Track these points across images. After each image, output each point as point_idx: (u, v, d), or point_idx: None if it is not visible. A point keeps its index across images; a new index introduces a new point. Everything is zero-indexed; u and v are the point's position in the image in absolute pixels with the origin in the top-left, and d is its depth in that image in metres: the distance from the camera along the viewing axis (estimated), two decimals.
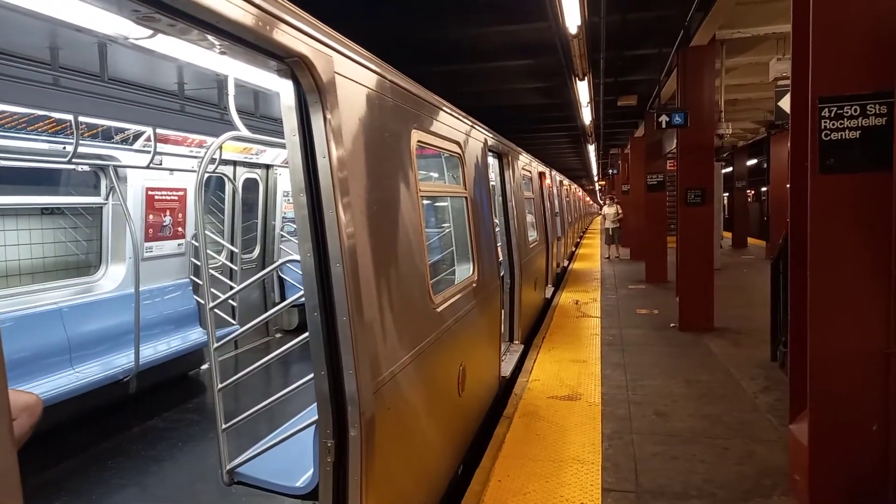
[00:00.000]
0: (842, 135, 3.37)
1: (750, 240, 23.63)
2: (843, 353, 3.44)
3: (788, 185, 3.92)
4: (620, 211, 19.60)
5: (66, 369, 5.51)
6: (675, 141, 10.22)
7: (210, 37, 2.03)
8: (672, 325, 9.08)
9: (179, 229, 7.13)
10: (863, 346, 3.40)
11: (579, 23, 6.53)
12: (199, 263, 7.30)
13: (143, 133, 5.84)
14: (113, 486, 4.52)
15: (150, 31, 2.17)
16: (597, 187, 58.16)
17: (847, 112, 3.35)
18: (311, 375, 2.62)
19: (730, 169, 24.64)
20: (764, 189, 26.24)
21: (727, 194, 26.82)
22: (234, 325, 7.17)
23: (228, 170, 7.93)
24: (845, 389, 3.43)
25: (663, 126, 8.96)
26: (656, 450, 4.68)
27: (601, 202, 62.03)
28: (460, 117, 5.01)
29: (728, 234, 23.90)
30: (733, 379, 6.43)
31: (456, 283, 4.87)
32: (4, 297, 5.36)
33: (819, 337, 3.47)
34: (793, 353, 3.95)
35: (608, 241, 19.87)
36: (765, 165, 21.69)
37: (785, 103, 8.56)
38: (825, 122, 3.39)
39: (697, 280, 8.87)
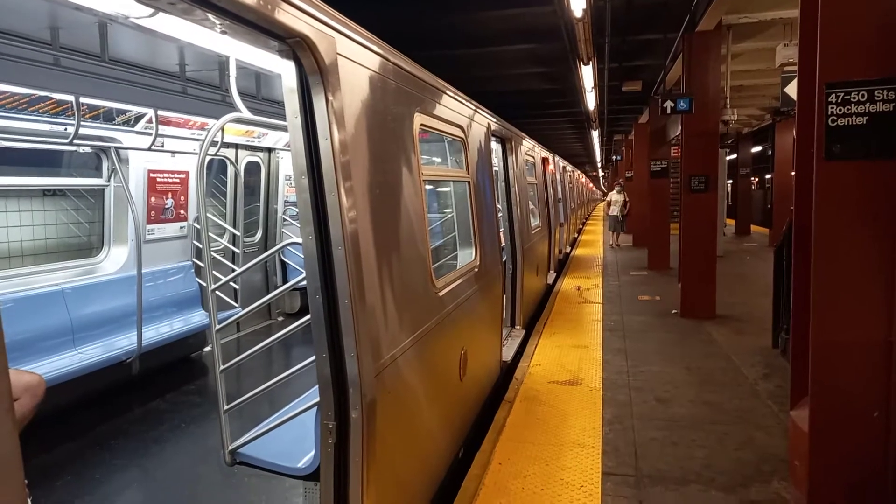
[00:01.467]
0: (848, 121, 3.33)
1: (753, 227, 23.60)
2: (846, 340, 3.43)
3: (793, 173, 3.89)
4: (628, 199, 18.89)
5: (69, 350, 5.54)
6: (680, 127, 10.16)
7: (211, 16, 2.00)
8: (674, 311, 9.09)
9: (182, 212, 7.13)
10: (865, 334, 3.39)
11: (584, 6, 6.46)
12: (201, 246, 7.30)
13: (144, 115, 5.81)
14: (115, 467, 4.56)
15: (151, 10, 2.14)
16: (600, 173, 58.00)
17: (854, 98, 3.31)
18: (313, 358, 2.62)
19: (734, 156, 24.52)
20: (768, 176, 26.14)
21: (731, 181, 26.73)
22: (236, 307, 7.19)
23: (231, 153, 7.90)
24: (847, 377, 3.43)
25: (668, 112, 8.89)
26: (656, 435, 4.70)
27: (604, 188, 61.86)
28: (464, 101, 4.98)
29: (731, 222, 23.85)
30: (734, 365, 6.44)
31: (458, 267, 4.86)
32: (6, 278, 5.37)
33: (821, 324, 3.46)
34: (794, 340, 3.95)
35: (612, 228, 19.26)
36: (769, 152, 21.58)
37: (791, 89, 8.50)
38: (832, 108, 3.35)
39: (700, 267, 8.85)
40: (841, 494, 3.44)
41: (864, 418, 3.40)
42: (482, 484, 3.92)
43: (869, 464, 3.39)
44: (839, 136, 3.36)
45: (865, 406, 3.39)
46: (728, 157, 21.53)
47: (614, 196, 19.06)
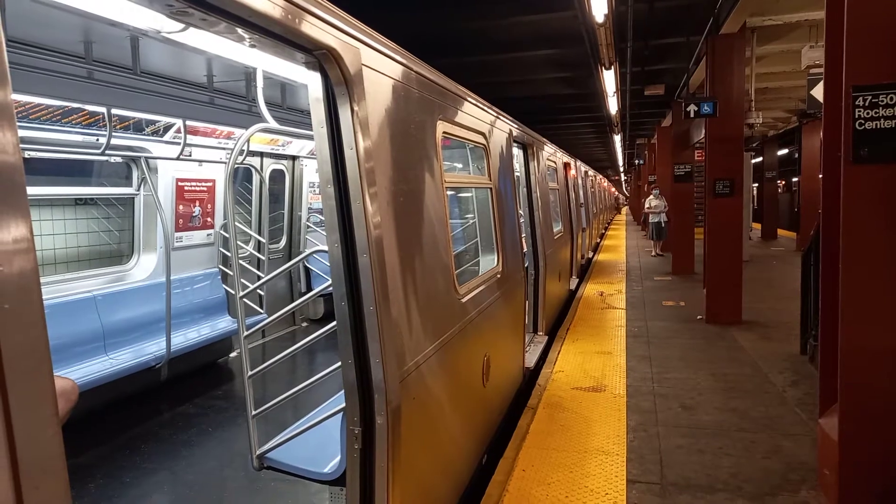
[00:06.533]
0: (877, 124, 3.29)
1: (780, 231, 23.22)
2: (875, 347, 3.37)
3: (821, 176, 3.85)
4: (667, 205, 17.09)
5: (101, 356, 5.67)
6: (704, 131, 10.07)
7: (240, 30, 2.06)
8: (699, 317, 8.98)
9: (208, 219, 7.25)
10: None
11: (606, 11, 6.46)
12: (228, 253, 7.42)
13: (173, 125, 5.94)
14: (144, 471, 4.65)
15: (183, 25, 2.21)
16: (622, 178, 57.57)
17: (883, 101, 3.26)
18: (339, 364, 2.66)
19: (759, 159, 24.17)
20: (795, 179, 25.72)
21: (756, 185, 26.35)
22: (261, 314, 7.29)
23: (255, 161, 8.02)
24: (877, 384, 3.37)
25: (692, 116, 8.81)
26: (682, 442, 4.66)
27: (626, 193, 61.24)
28: (485, 108, 5.00)
29: (757, 226, 23.48)
30: (761, 372, 6.35)
31: (480, 273, 4.88)
32: (41, 285, 5.51)
33: (850, 330, 3.41)
34: (823, 346, 3.89)
35: (654, 236, 17.64)
36: (796, 155, 21.23)
37: (817, 92, 8.36)
38: (859, 112, 3.32)
39: (725, 272, 8.75)
40: (871, 503, 3.37)
41: (894, 426, 3.33)
42: (506, 490, 3.92)
43: None
44: (867, 139, 3.32)
45: None
46: (753, 161, 21.22)
47: (653, 201, 17.57)
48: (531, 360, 6.52)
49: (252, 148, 7.35)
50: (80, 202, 6.23)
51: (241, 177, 8.25)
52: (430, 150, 3.46)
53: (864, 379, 3.39)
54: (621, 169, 45.89)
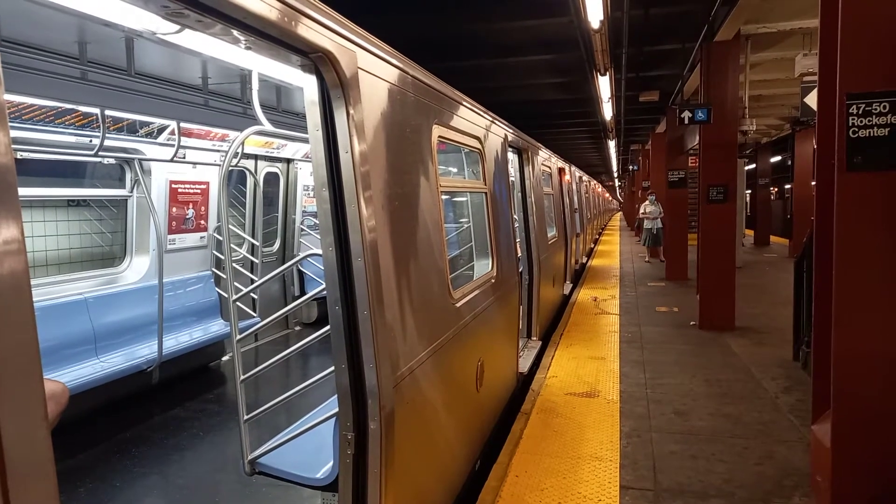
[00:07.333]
0: (870, 132, 3.31)
1: (773, 238, 23.33)
2: (868, 353, 3.38)
3: (814, 183, 3.86)
4: (662, 210, 16.78)
5: (91, 359, 5.62)
6: (698, 137, 10.11)
7: (236, 32, 2.05)
8: (692, 323, 9.00)
9: (202, 222, 7.22)
10: (888, 347, 3.34)
11: (602, 18, 6.48)
12: (221, 256, 7.38)
13: (167, 127, 5.91)
14: (135, 474, 4.61)
15: (178, 27, 2.19)
16: (616, 183, 57.76)
17: (876, 109, 3.28)
18: (332, 368, 2.64)
19: (753, 166, 24.29)
20: (788, 186, 25.85)
21: (750, 191, 26.46)
22: (255, 317, 7.25)
23: (250, 164, 8.00)
24: (870, 390, 3.38)
25: (686, 122, 8.85)
26: (675, 448, 4.66)
27: (620, 198, 61.42)
28: (481, 112, 5.01)
29: (750, 232, 23.59)
30: (754, 378, 6.36)
31: (475, 278, 4.87)
32: (32, 286, 5.46)
33: (843, 336, 3.42)
34: (816, 352, 3.90)
35: (647, 242, 17.50)
36: (789, 162, 21.34)
37: (811, 100, 8.42)
38: (853, 119, 3.33)
39: (719, 278, 8.77)
40: None
41: (887, 433, 3.34)
42: (499, 496, 3.91)
43: (893, 479, 3.33)
44: (860, 147, 3.34)
45: (889, 420, 3.34)
46: (747, 167, 21.31)
47: (648, 207, 17.38)
48: (525, 365, 6.51)
49: (246, 150, 7.33)
50: (72, 203, 6.19)
51: (234, 179, 8.22)
52: (426, 155, 3.46)
53: (857, 385, 3.40)
54: (616, 174, 46.02)
